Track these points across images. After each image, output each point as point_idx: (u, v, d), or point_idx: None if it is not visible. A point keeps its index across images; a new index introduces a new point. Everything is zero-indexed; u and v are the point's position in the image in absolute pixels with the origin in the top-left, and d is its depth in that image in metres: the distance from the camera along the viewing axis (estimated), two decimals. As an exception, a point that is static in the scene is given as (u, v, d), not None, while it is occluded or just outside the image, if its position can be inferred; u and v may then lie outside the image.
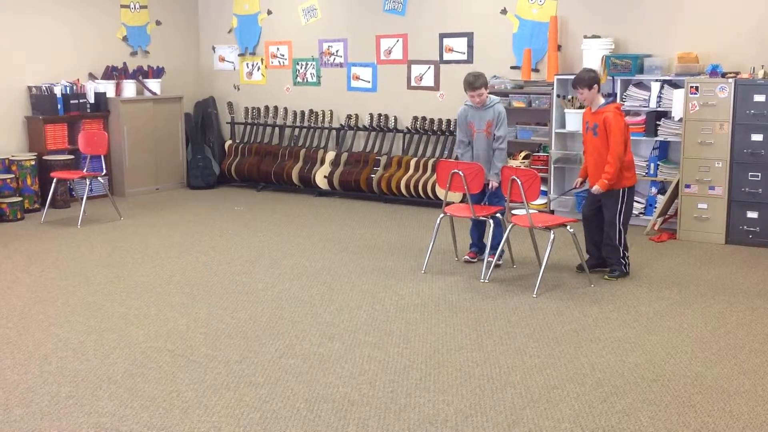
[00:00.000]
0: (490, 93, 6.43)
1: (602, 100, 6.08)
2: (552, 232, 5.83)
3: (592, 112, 6.03)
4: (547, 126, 8.19)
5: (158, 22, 10.41)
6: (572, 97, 7.96)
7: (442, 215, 6.29)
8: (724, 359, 4.49)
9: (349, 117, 9.69)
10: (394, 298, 5.61)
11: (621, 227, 5.99)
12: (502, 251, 6.22)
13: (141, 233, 7.72)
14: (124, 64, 9.95)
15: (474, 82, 6.22)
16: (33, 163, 8.70)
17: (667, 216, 7.57)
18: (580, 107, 7.89)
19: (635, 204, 7.39)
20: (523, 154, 8.30)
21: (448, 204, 6.35)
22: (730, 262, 6.54)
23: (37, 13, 9.09)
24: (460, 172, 6.07)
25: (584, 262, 6.02)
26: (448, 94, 9.06)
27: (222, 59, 10.80)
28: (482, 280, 5.99)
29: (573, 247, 6.15)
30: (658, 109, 7.55)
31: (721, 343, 4.73)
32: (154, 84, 10.05)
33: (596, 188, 5.93)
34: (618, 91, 7.69)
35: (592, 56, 7.78)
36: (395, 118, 9.36)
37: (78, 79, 9.41)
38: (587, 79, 5.96)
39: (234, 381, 4.21)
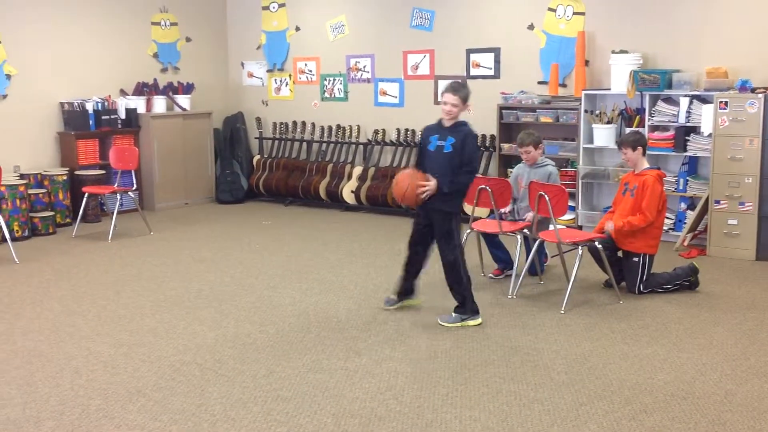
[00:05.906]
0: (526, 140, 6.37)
1: (646, 164, 6.15)
2: (580, 247, 5.81)
3: (634, 174, 6.10)
4: (575, 141, 8.17)
5: (188, 39, 10.55)
6: (600, 112, 7.93)
7: (468, 231, 6.29)
8: (755, 377, 4.44)
9: (376, 132, 9.73)
10: (421, 313, 5.61)
11: (644, 288, 6.00)
12: (533, 263, 6.19)
13: (170, 247, 7.80)
14: (155, 80, 10.09)
15: (524, 140, 6.40)
16: (65, 178, 8.82)
17: (696, 232, 7.51)
18: (608, 122, 7.88)
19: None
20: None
21: (475, 220, 6.34)
22: (760, 279, 6.47)
23: (70, 31, 9.24)
24: (488, 188, 6.06)
25: (612, 277, 5.98)
26: (475, 109, 9.05)
27: (250, 75, 10.90)
28: (510, 296, 5.97)
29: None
30: (687, 124, 7.51)
31: (751, 361, 4.68)
32: (183, 100, 10.17)
33: (610, 225, 5.96)
34: (647, 106, 7.65)
35: (620, 71, 7.75)
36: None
37: (109, 96, 9.55)
38: (632, 141, 6.09)
39: (261, 395, 4.23)
